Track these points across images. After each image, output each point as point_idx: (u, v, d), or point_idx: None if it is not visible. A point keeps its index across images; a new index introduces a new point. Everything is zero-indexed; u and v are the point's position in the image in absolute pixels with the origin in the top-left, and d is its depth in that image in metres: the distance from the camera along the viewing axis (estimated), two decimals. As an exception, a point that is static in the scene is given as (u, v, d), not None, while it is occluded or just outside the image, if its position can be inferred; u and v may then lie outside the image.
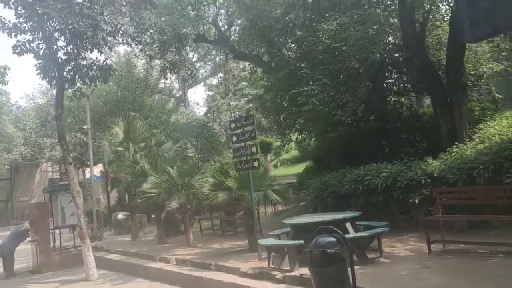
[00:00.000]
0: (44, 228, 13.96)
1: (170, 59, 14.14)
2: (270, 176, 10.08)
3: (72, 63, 12.46)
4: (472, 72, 10.77)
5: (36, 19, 11.80)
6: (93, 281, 10.92)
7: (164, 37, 13.28)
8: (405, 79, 11.47)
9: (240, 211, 14.57)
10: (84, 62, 12.54)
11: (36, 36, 12.24)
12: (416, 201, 9.19)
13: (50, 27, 12.22)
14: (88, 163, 27.27)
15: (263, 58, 18.82)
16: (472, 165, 8.38)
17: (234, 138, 9.25)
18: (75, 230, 12.19)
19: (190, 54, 31.64)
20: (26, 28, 12.07)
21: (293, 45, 12.20)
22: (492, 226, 8.44)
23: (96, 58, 13.29)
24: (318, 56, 11.48)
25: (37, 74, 12.49)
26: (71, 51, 12.34)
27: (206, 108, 41.70)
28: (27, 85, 66.87)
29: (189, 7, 21.12)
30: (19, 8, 11.74)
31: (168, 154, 14.66)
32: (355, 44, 10.46)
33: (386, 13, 11.07)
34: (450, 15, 10.11)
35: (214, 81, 43.30)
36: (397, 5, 10.72)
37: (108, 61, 13.78)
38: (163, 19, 15.51)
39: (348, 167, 11.00)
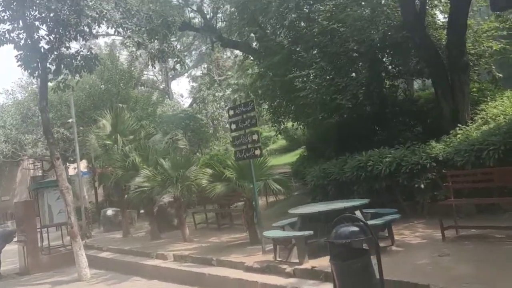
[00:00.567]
0: (31, 227, 13.38)
1: (158, 47, 13.58)
2: (270, 165, 9.64)
3: (55, 52, 11.83)
4: (472, 51, 10.48)
5: (15, 7, 11.15)
6: (86, 281, 10.42)
7: (151, 24, 12.71)
8: (403, 61, 11.12)
9: (235, 203, 14.20)
10: (68, 52, 11.91)
11: (16, 25, 11.58)
12: (422, 186, 8.89)
13: (30, 15, 11.58)
14: (72, 159, 26.62)
15: (253, 45, 18.37)
16: (480, 146, 8.09)
17: (233, 126, 8.80)
18: (67, 229, 11.62)
19: (174, 44, 30.87)
20: (5, 17, 11.41)
21: (286, 29, 11.70)
22: (501, 209, 8.20)
23: (80, 47, 12.49)
24: (314, 39, 11.06)
25: (18, 66, 11.85)
26: (54, 40, 11.70)
27: (191, 100, 41.05)
28: (5, 80, 65.08)
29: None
30: (-4, -4, 11.05)
31: (159, 146, 14.15)
32: (353, 25, 10.07)
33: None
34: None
35: (198, 72, 42.66)
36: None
37: (93, 51, 13.24)
38: (146, 6, 14.91)
39: (349, 154, 10.67)
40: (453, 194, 7.72)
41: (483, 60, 10.72)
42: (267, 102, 14.77)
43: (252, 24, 14.52)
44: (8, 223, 29.91)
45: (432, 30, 10.48)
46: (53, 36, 11.77)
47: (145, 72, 37.20)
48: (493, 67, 11.03)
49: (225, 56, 37.83)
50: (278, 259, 7.51)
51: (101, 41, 42.84)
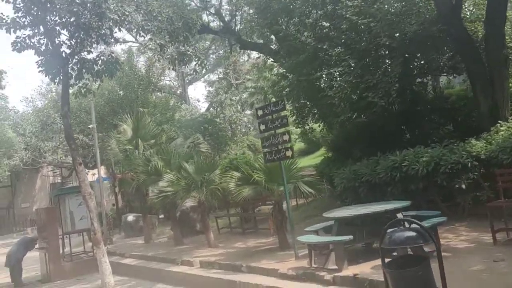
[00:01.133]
0: (53, 234, 13.16)
1: (179, 49, 13.33)
2: (300, 166, 9.22)
3: (76, 57, 11.64)
4: (510, 45, 9.92)
5: (36, 12, 11.00)
6: (110, 289, 10.11)
7: (172, 27, 12.47)
8: (436, 57, 10.61)
9: (258, 207, 13.80)
10: (89, 56, 11.73)
11: (36, 31, 11.44)
12: (463, 186, 8.38)
13: (51, 20, 11.43)
14: (91, 165, 26.56)
15: (273, 47, 18.04)
16: (529, 143, 7.57)
17: (262, 126, 8.40)
18: (88, 236, 11.38)
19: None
20: (26, 22, 11.26)
21: (311, 27, 11.28)
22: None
23: (101, 52, 12.30)
24: (341, 36, 10.64)
25: (39, 71, 11.70)
26: (75, 44, 11.51)
27: (208, 104, 40.91)
28: (25, 88, 65.98)
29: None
30: (18, 1, 10.90)
31: (181, 150, 13.84)
32: (384, 19, 9.61)
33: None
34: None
35: (214, 77, 42.53)
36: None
37: (114, 54, 13.05)
38: (166, 10, 14.70)
39: (380, 154, 10.19)
40: (500, 195, 7.21)
41: (524, 53, 10.13)
42: (291, 103, 14.34)
43: (274, 24, 14.18)
44: (28, 230, 29.91)
45: (468, 22, 9.96)
46: (74, 40, 11.60)
47: (162, 78, 37.17)
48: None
49: (241, 60, 37.63)
50: (314, 265, 7.08)
51: (117, 48, 43.09)
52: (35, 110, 30.44)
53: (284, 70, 16.88)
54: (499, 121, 9.20)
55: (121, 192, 20.72)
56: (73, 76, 11.94)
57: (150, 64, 26.52)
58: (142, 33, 11.42)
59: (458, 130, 12.78)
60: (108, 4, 11.09)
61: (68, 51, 11.59)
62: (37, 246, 13.64)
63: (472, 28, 10.15)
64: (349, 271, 6.40)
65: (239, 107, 31.30)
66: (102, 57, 12.27)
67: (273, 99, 33.71)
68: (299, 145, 30.75)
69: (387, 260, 4.42)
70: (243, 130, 29.61)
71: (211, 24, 22.39)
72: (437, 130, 12.51)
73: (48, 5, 10.69)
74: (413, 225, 4.38)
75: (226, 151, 27.06)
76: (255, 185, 9.12)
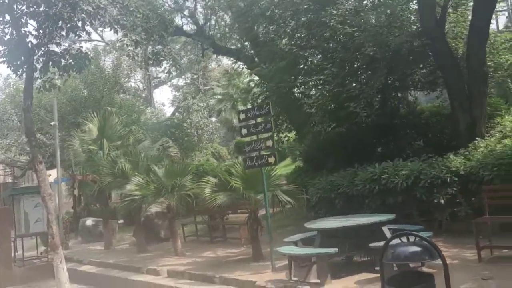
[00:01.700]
0: (4, 236, 12.24)
1: (153, 48, 12.80)
2: (279, 174, 8.89)
3: (43, 48, 10.91)
4: (489, 63, 10.04)
5: (2, 0, 10.25)
6: (67, 298, 9.37)
7: (148, 24, 11.95)
8: (419, 71, 10.62)
9: (226, 215, 13.36)
10: (57, 49, 11.04)
11: (1, 19, 10.65)
12: (442, 201, 8.30)
13: (18, 10, 10.68)
14: (47, 165, 25.26)
15: (247, 53, 17.77)
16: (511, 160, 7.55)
17: (244, 131, 8.03)
18: (43, 239, 10.60)
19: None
20: (-11, 11, 10.49)
21: (293, 33, 11.06)
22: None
23: (70, 45, 11.64)
24: (324, 44, 10.47)
25: (1, 62, 10.90)
26: (43, 35, 10.79)
27: (173, 109, 40.14)
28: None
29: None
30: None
31: (148, 153, 13.23)
32: (368, 30, 9.51)
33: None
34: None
35: (181, 82, 41.87)
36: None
37: (83, 49, 12.37)
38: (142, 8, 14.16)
39: (358, 166, 10.04)
40: (482, 211, 7.12)
41: (500, 72, 10.29)
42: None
43: (253, 29, 13.93)
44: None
45: (449, 39, 10.02)
46: (42, 31, 10.88)
47: (128, 79, 36.22)
48: (509, 81, 10.62)
49: (210, 66, 37.21)
50: (293, 278, 6.73)
51: (83, 46, 41.59)
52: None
53: (258, 77, 16.64)
54: (477, 138, 9.24)
55: (79, 194, 19.75)
56: (38, 69, 11.25)
57: (117, 64, 25.63)
58: (117, 27, 10.82)
59: (429, 146, 12.90)
60: (82, -6, 10.50)
61: (35, 41, 10.89)
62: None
63: (453, 44, 10.21)
64: (332, 285, 6.10)
65: (206, 113, 30.80)
66: (70, 51, 11.66)
67: (241, 107, 33.55)
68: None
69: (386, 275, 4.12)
70: (211, 137, 29.12)
71: (185, 27, 21.90)
72: (411, 145, 12.60)
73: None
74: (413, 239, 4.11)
75: (191, 157, 26.49)
76: (231, 192, 8.72)
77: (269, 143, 7.61)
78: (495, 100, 11.32)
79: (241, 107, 33.23)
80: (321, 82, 10.05)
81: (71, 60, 11.47)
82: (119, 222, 18.05)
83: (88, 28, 12.47)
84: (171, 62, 13.17)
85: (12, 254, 12.70)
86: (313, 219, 10.72)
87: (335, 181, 10.06)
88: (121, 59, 28.37)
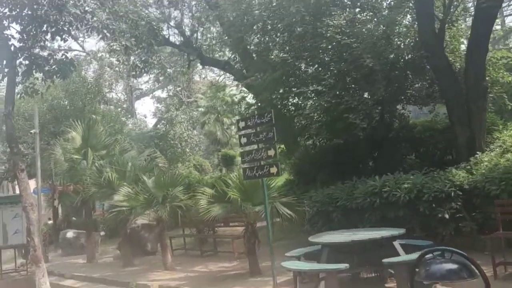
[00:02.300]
0: (-20, 249, 11.54)
1: (142, 56, 12.41)
2: (279, 186, 8.56)
3: (26, 52, 10.41)
4: (487, 78, 10.00)
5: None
6: (49, 315, 8.78)
7: (137, 31, 11.57)
8: (417, 84, 10.51)
9: (216, 228, 12.89)
10: (43, 53, 10.55)
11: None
12: (446, 216, 8.07)
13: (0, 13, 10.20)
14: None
15: (237, 65, 17.56)
16: (520, 175, 7.39)
17: (244, 140, 7.67)
18: (26, 252, 9.97)
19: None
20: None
21: (288, 43, 10.83)
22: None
23: (54, 50, 11.19)
24: (320, 56, 10.28)
25: (-19, 65, 10.35)
26: (27, 38, 10.31)
27: (156, 120, 39.53)
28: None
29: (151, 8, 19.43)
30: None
31: (135, 163, 12.72)
32: (366, 41, 9.36)
33: (394, 12, 10.07)
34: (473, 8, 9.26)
35: (163, 94, 41.38)
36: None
37: (69, 55, 11.90)
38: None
39: (356, 178, 9.79)
40: (487, 226, 6.94)
41: (496, 88, 10.25)
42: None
43: (242, 41, 13.69)
44: None
45: (447, 53, 9.95)
46: (26, 34, 10.40)
47: (107, 90, 35.58)
48: (505, 97, 10.60)
49: (194, 78, 36.85)
50: (299, 295, 6.37)
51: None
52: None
53: (246, 89, 16.36)
54: (477, 152, 9.12)
55: (59, 205, 18.96)
56: (21, 73, 10.75)
57: (100, 74, 25.03)
58: (106, 32, 10.39)
59: (422, 160, 12.80)
60: (70, -2, 10.10)
61: (18, 44, 10.40)
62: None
63: (450, 59, 10.15)
64: (342, 303, 5.75)
65: (189, 125, 30.34)
66: (55, 57, 11.21)
67: (226, 119, 33.12)
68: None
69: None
70: (194, 149, 28.60)
71: (171, 39, 21.55)
72: (403, 159, 12.47)
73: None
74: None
75: (176, 169, 25.93)
76: (227, 203, 8.34)
77: (271, 152, 7.27)
78: (490, 116, 11.31)
79: (226, 120, 33.02)
80: (317, 93, 9.79)
81: (55, 66, 11.06)
82: (101, 234, 17.37)
83: (73, 32, 12.10)
84: (160, 70, 12.84)
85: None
86: (308, 233, 10.46)
87: (333, 194, 9.76)
88: (104, 68, 27.86)
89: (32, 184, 17.53)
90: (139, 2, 15.76)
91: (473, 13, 10.77)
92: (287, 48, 11.19)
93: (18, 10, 10.06)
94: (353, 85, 9.61)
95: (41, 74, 10.75)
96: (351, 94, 9.64)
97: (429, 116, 13.08)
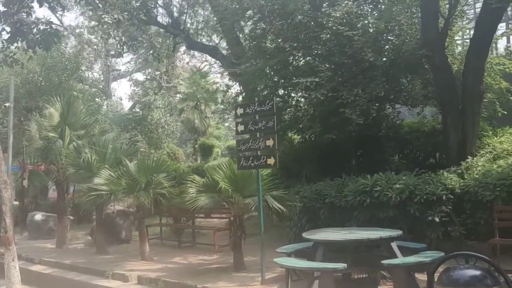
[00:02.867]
0: None
1: (132, 33, 11.85)
2: (269, 179, 8.25)
3: (10, 18, 9.75)
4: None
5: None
6: (17, 301, 8.23)
7: (129, 6, 11.02)
8: (415, 83, 10.37)
9: (189, 220, 12.49)
10: (27, 19, 9.91)
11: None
12: (437, 219, 7.97)
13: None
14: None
15: (227, 53, 17.15)
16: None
17: (241, 127, 7.33)
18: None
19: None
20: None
21: (288, 31, 10.46)
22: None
23: (38, 19, 10.55)
24: (318, 47, 10.01)
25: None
26: (13, 2, 9.65)
27: (132, 103, 38.52)
28: None
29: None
30: None
31: (115, 145, 12.18)
32: (369, 35, 9.15)
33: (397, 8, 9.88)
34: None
35: (141, 77, 40.39)
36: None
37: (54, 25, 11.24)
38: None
39: (346, 176, 9.63)
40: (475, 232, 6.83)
41: (490, 94, 10.23)
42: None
43: (234, 26, 13.30)
44: None
45: (447, 54, 9.85)
46: (11, -3, 9.74)
47: (85, 68, 34.42)
48: (497, 103, 10.61)
49: (176, 63, 36.04)
50: (290, 293, 6.11)
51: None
52: None
53: (232, 76, 15.96)
54: (468, 157, 9.06)
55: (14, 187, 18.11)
56: (3, 40, 10.11)
57: (80, 49, 24.08)
58: (98, 2, 9.82)
59: (406, 161, 12.78)
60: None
61: (2, 9, 9.76)
62: None
63: (448, 60, 10.05)
64: (337, 304, 5.53)
65: (167, 112, 29.69)
66: (39, 26, 10.58)
67: (204, 107, 32.49)
68: (220, 160, 29.85)
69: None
70: (170, 136, 28.00)
71: (158, 19, 20.82)
72: (389, 160, 12.40)
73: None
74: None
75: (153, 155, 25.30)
76: (216, 193, 8.00)
77: (270, 142, 6.96)
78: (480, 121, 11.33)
79: (205, 108, 32.41)
80: (315, 85, 9.51)
81: (38, 36, 10.45)
82: (71, 218, 16.71)
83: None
84: (150, 50, 12.30)
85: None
86: (290, 229, 10.24)
87: (322, 190, 9.56)
88: (83, 45, 26.89)
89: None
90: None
91: (470, 15, 10.74)
92: (285, 36, 10.83)
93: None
94: (351, 79, 9.34)
95: (23, 43, 10.15)
96: (348, 88, 9.39)
97: (416, 118, 13.05)
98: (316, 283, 5.81)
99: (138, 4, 11.40)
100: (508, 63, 10.50)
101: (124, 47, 11.98)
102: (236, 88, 15.05)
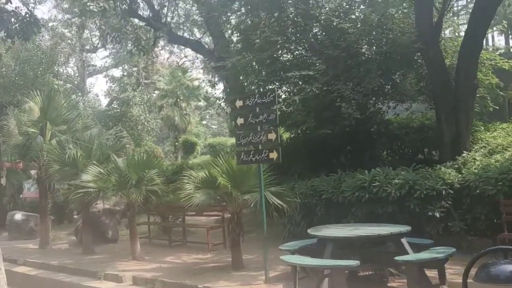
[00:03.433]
0: None
1: (115, 25, 11.45)
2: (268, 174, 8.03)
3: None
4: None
5: None
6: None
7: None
8: (407, 77, 10.31)
9: (179, 218, 12.18)
10: (8, 6, 9.40)
11: None
12: (437, 214, 7.92)
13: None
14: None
15: (206, 46, 16.83)
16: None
17: (241, 120, 7.07)
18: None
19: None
20: None
21: (278, 23, 10.24)
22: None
23: (17, 7, 10.05)
24: (310, 40, 9.83)
25: None
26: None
27: (109, 100, 37.61)
28: None
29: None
30: None
31: (101, 141, 11.74)
32: (363, 28, 9.02)
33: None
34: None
35: (117, 73, 39.52)
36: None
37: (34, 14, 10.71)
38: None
39: (341, 171, 9.51)
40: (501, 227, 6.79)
41: (481, 89, 10.27)
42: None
43: (221, 18, 13.00)
44: None
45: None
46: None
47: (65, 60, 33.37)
48: (489, 99, 10.66)
49: (155, 59, 35.35)
50: (299, 292, 5.91)
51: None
52: None
53: (216, 71, 15.68)
54: (464, 151, 9.07)
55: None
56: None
57: (56, 43, 23.23)
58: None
59: (393, 156, 12.79)
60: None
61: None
62: None
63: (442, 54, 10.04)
64: (350, 303, 5.36)
65: (146, 109, 29.09)
66: (18, 15, 10.06)
67: (184, 104, 31.97)
68: (205, 157, 29.49)
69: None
70: (150, 133, 27.43)
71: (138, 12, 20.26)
72: (380, 155, 12.37)
73: None
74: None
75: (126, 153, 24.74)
76: (213, 190, 7.74)
77: (272, 136, 6.73)
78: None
79: (184, 105, 31.90)
80: (307, 78, 9.34)
81: (17, 25, 9.94)
82: (52, 218, 16.13)
83: None
84: (136, 43, 11.89)
85: None
86: (284, 226, 10.06)
87: (317, 186, 9.42)
88: (58, 39, 25.98)
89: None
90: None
91: (460, 10, 10.76)
92: (274, 29, 10.61)
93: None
94: (345, 73, 9.20)
95: (2, 32, 9.63)
96: (343, 82, 9.25)
97: (404, 113, 13.06)
98: (326, 281, 5.64)
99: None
100: (498, 59, 10.55)
101: (108, 37, 11.53)
102: (220, 85, 14.74)
